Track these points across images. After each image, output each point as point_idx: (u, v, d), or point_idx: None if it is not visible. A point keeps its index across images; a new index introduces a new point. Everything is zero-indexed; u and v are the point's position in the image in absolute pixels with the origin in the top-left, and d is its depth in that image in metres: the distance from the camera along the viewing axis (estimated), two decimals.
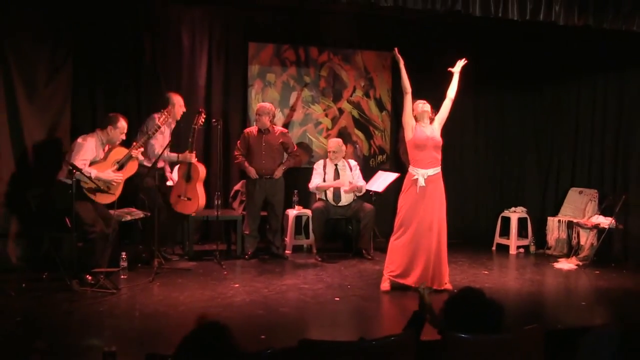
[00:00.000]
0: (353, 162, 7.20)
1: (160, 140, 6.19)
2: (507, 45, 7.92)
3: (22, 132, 5.98)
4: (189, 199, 6.30)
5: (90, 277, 5.29)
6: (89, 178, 5.27)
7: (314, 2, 6.83)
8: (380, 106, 8.23)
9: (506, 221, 7.79)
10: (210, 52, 7.45)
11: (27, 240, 5.91)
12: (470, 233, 8.12)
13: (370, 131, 8.20)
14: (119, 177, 5.52)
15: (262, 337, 4.08)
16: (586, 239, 7.02)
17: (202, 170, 6.43)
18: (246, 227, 6.81)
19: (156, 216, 5.88)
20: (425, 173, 5.38)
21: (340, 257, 6.91)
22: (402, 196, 5.50)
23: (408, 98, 5.46)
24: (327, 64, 7.97)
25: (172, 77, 7.16)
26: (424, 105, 5.52)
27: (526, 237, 7.70)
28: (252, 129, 6.87)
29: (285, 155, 6.93)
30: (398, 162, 7.17)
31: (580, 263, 6.81)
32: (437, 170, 5.45)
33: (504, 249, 7.68)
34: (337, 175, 7.02)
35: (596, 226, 6.94)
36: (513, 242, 7.62)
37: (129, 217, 6.05)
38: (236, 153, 6.82)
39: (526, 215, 7.74)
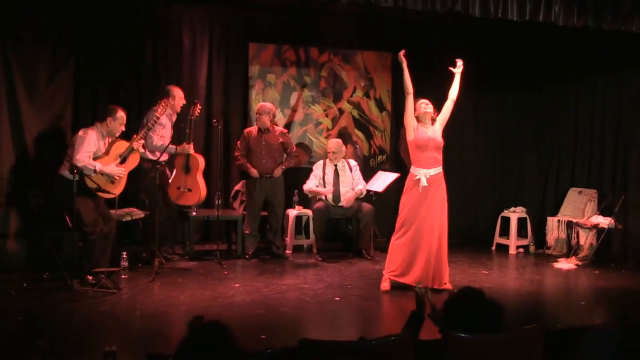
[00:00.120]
0: (353, 162, 7.21)
1: (161, 132, 6.18)
2: (507, 45, 7.91)
3: (23, 132, 5.99)
4: (189, 190, 6.25)
5: (91, 277, 5.31)
6: (94, 171, 5.28)
7: (314, 3, 6.83)
8: (381, 106, 8.24)
9: (506, 221, 7.80)
10: (211, 52, 7.46)
11: (28, 239, 5.91)
12: (470, 233, 8.12)
13: (371, 131, 8.21)
14: (122, 171, 5.52)
15: (263, 336, 4.09)
16: (586, 239, 7.03)
17: (200, 160, 6.36)
18: (246, 227, 6.81)
19: (157, 216, 5.89)
20: (427, 173, 5.39)
21: (340, 257, 6.91)
22: (404, 196, 5.50)
23: (410, 99, 5.47)
24: (327, 65, 7.97)
25: (172, 77, 7.15)
26: (427, 106, 5.52)
27: (526, 237, 7.71)
28: (252, 129, 6.88)
29: (285, 155, 6.94)
30: (398, 162, 7.17)
31: (580, 263, 6.82)
32: (439, 170, 5.46)
33: (503, 248, 7.69)
34: (336, 175, 7.03)
35: (595, 226, 6.95)
36: (513, 242, 7.62)
37: (129, 217, 6.06)
38: (237, 154, 6.82)
39: (526, 215, 7.75)
